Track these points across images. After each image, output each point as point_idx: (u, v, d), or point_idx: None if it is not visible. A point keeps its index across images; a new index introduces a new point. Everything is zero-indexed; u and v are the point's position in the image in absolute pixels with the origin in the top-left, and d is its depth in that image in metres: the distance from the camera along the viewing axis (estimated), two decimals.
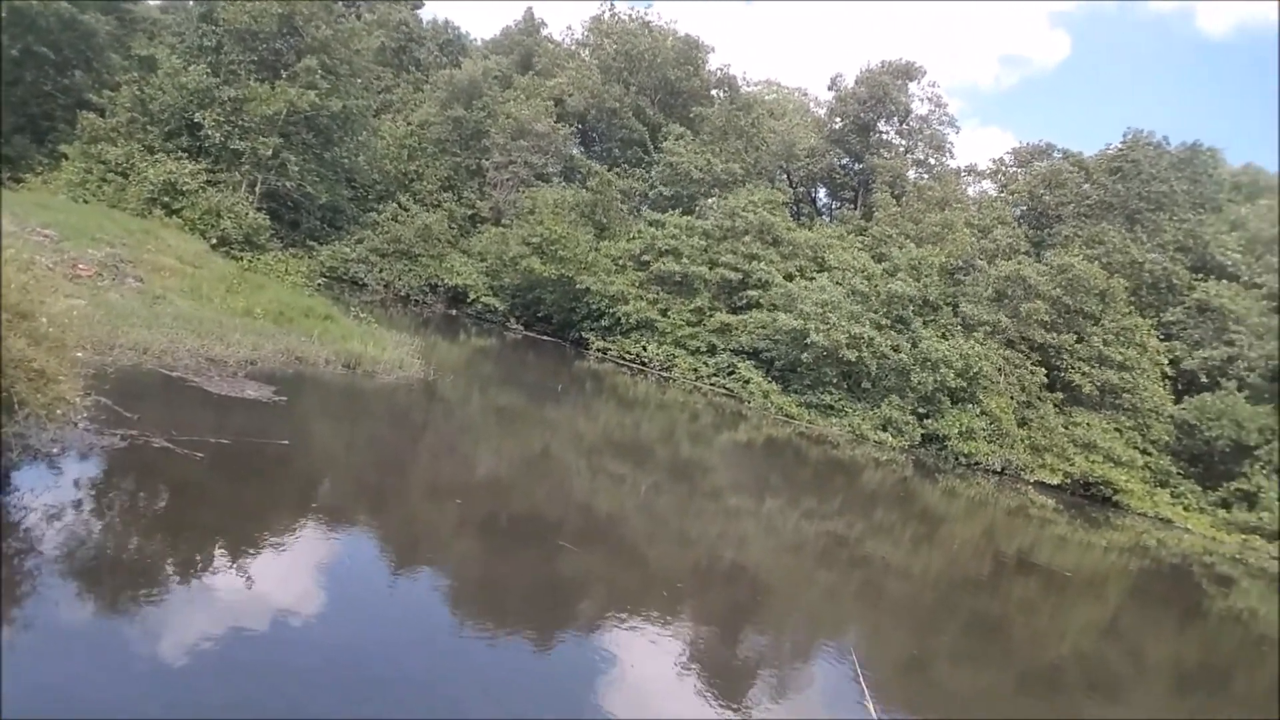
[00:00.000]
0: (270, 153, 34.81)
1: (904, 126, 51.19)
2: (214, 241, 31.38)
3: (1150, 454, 34.86)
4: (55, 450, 8.70)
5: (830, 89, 51.83)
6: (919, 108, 50.77)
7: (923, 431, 33.45)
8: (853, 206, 50.29)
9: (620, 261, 40.03)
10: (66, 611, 6.38)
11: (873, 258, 39.35)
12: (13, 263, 7.78)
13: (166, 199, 32.98)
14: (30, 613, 6.18)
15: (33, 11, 35.03)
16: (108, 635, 6.33)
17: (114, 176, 33.54)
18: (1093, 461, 33.22)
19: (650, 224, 41.17)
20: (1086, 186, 44.53)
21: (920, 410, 33.93)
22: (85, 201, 30.81)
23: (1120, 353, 35.48)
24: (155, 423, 10.35)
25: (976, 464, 32.64)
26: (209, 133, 34.18)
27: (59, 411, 7.58)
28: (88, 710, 5.38)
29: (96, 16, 38.25)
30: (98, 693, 5.62)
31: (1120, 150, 43.94)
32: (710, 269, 38.17)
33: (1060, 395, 35.87)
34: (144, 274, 19.04)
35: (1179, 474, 35.06)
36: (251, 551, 8.37)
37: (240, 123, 34.48)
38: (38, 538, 7.22)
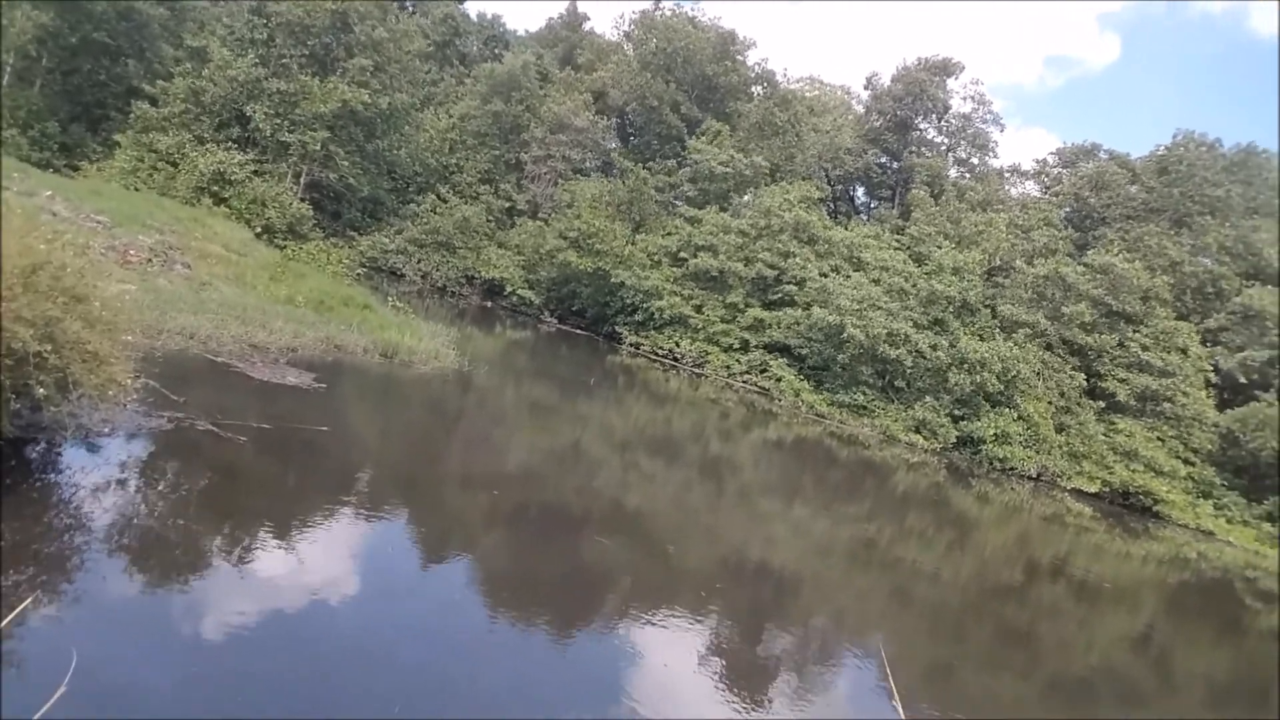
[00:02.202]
0: (318, 146, 35.49)
1: (943, 124, 50.49)
2: (258, 230, 32.08)
3: (1193, 464, 34.05)
4: (106, 430, 9.02)
5: (866, 87, 51.34)
6: (962, 106, 50.04)
7: (957, 434, 33.02)
8: (890, 205, 49.77)
9: (655, 257, 40.09)
10: (111, 586, 6.62)
11: (910, 257, 38.92)
12: (69, 247, 8.06)
13: (215, 188, 33.80)
14: (78, 586, 6.43)
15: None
16: (148, 610, 6.56)
17: (165, 165, 34.45)
18: (1134, 471, 32.52)
19: (688, 221, 41.17)
20: (1133, 189, 43.50)
21: (955, 413, 33.50)
22: (136, 189, 31.67)
23: (1161, 358, 34.68)
24: (200, 406, 10.67)
25: (1011, 469, 32.13)
26: (259, 125, 34.93)
27: (110, 393, 7.84)
28: (126, 680, 5.60)
29: (151, 5, 39.21)
30: (136, 663, 5.85)
31: (1169, 151, 42.85)
32: (746, 265, 38.04)
33: (1101, 403, 35.16)
34: (191, 261, 19.54)
35: (1223, 485, 34.17)
36: (289, 534, 8.59)
37: (290, 116, 35.19)
38: (87, 514, 7.50)
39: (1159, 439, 33.98)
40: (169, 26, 41.01)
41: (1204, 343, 37.10)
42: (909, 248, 40.19)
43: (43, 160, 33.11)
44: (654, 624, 9.11)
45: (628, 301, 38.99)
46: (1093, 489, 32.14)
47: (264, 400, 12.30)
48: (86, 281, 7.67)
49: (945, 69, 48.37)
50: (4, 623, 5.08)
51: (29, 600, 5.76)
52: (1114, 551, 24.01)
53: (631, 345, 38.61)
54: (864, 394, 34.17)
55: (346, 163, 37.36)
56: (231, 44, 36.33)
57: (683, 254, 39.63)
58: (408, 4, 53.98)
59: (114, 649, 5.90)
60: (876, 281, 36.16)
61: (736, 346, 37.55)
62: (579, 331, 41.02)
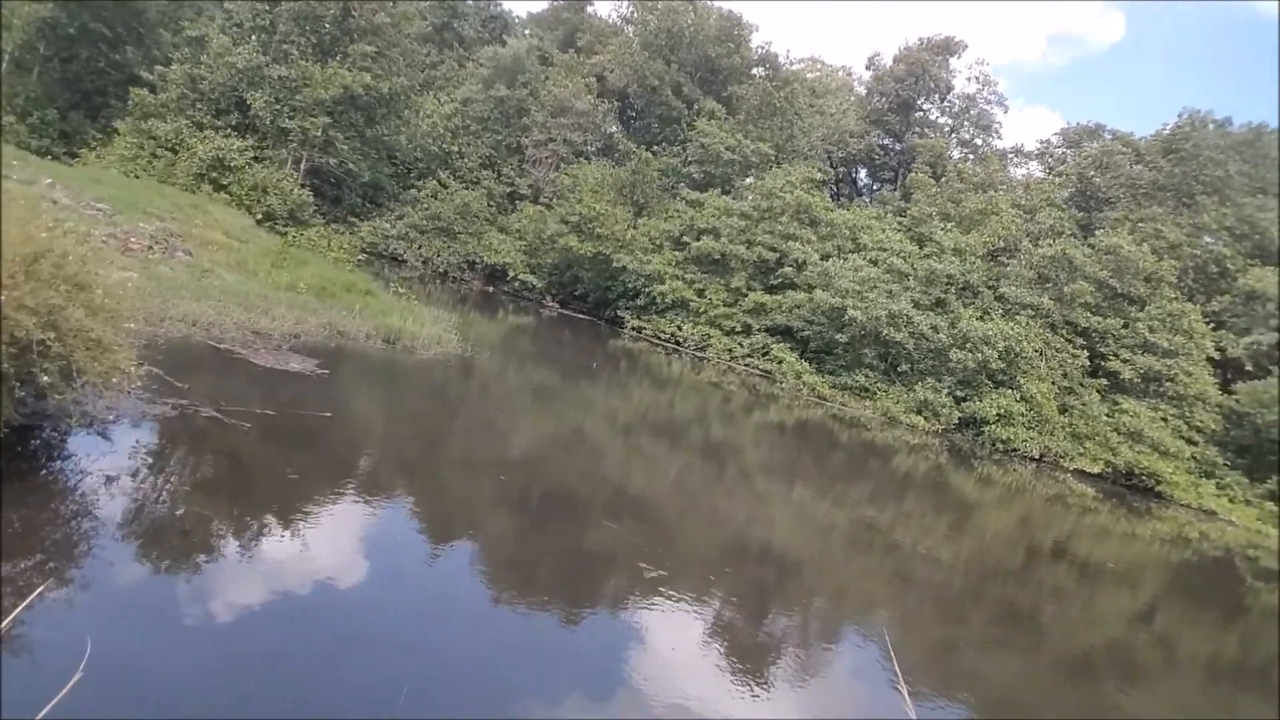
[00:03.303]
0: (319, 132, 35.35)
1: (946, 105, 50.17)
2: (259, 216, 32.05)
3: (1196, 443, 34.01)
4: (110, 417, 9.06)
5: (868, 68, 51.00)
6: (966, 86, 49.70)
7: (960, 415, 32.99)
8: (893, 187, 49.56)
9: (657, 241, 40.00)
10: (121, 572, 6.68)
11: (911, 238, 38.79)
12: (71, 235, 8.06)
13: (215, 174, 33.74)
14: (88, 573, 6.48)
15: None
16: (159, 595, 6.61)
17: (164, 152, 34.37)
18: (1138, 452, 32.48)
19: (690, 204, 41.03)
20: (1139, 168, 43.19)
21: (958, 394, 33.47)
22: (136, 176, 31.63)
23: (1167, 339, 34.57)
24: (204, 393, 10.70)
25: (1013, 450, 32.14)
26: (258, 113, 34.78)
27: (114, 380, 7.85)
28: (141, 665, 5.66)
29: None
30: (150, 649, 5.90)
31: (1176, 131, 42.49)
32: (748, 248, 37.93)
33: (1104, 382, 35.09)
34: (193, 248, 19.53)
35: (1225, 464, 34.16)
36: (295, 519, 8.63)
37: (290, 102, 35.03)
38: (93, 501, 7.55)
39: (1162, 419, 33.92)
40: (167, 13, 40.78)
41: (1209, 324, 36.92)
42: (910, 229, 40.02)
43: (42, 148, 33.08)
44: (661, 608, 9.14)
45: (630, 286, 38.94)
46: (1095, 470, 32.15)
47: (267, 386, 12.34)
48: (89, 269, 7.66)
49: (948, 48, 48.01)
50: (18, 610, 5.13)
51: (43, 587, 5.81)
52: (1117, 532, 24.07)
53: (634, 329, 38.60)
54: (866, 376, 34.16)
55: (346, 148, 37.24)
56: (230, 31, 36.12)
57: (685, 238, 39.53)
58: None
59: (127, 635, 5.96)
60: (875, 262, 36.08)
61: (739, 330, 37.51)
62: (581, 316, 41.00)
